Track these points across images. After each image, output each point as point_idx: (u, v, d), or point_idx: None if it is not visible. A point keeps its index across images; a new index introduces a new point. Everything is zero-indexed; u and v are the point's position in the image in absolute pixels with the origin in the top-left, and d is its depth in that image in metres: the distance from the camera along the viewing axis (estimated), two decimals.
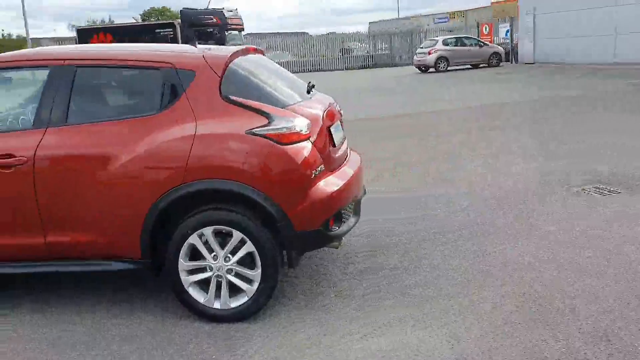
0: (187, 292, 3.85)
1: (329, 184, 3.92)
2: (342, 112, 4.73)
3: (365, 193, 4.81)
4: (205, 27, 32.07)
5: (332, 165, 4.09)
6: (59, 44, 41.23)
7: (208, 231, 3.76)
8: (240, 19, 34.28)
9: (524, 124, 11.28)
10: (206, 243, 3.78)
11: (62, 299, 4.30)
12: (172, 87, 3.85)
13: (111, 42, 33.25)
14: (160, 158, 3.72)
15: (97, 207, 3.80)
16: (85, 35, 34.42)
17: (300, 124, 3.81)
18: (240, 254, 3.77)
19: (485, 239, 5.07)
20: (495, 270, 4.40)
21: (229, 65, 3.96)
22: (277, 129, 3.72)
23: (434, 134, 10.79)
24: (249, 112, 3.78)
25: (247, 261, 3.79)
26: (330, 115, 4.32)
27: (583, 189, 6.40)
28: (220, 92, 3.82)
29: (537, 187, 6.59)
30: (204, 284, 3.86)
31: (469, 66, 30.06)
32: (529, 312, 3.72)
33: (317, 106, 4.24)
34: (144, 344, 3.63)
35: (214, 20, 32.31)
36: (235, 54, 4.11)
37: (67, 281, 4.53)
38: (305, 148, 3.81)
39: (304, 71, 40.70)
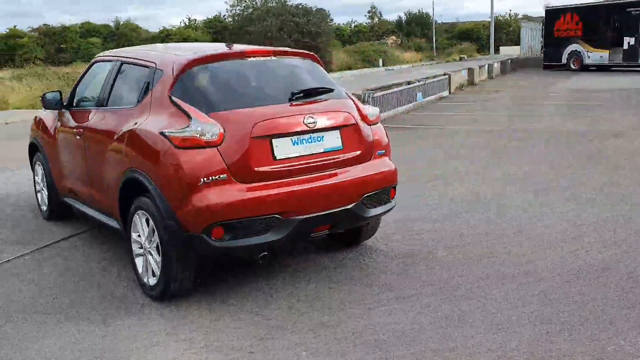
0: (134, 260, 4.50)
1: (223, 193, 3.86)
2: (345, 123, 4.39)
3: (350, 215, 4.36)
4: None
5: (251, 175, 3.96)
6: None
7: (140, 213, 4.29)
8: None
9: None
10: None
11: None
12: (147, 84, 4.46)
13: (577, 22, 32.09)
14: (125, 143, 4.42)
15: (103, 173, 4.78)
16: (552, 15, 34.05)
17: (205, 131, 3.89)
18: (155, 240, 4.18)
19: None
20: None
21: (190, 67, 4.24)
22: (177, 132, 3.92)
23: None
24: (180, 113, 4.07)
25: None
26: (284, 126, 4.10)
27: None
28: (170, 92, 4.20)
29: None
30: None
31: None
32: None
33: (265, 114, 4.08)
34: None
35: None
36: (208, 58, 4.33)
37: None
38: (201, 154, 3.88)
39: None
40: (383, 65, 45.14)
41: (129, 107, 4.59)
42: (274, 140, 4.07)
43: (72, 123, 5.43)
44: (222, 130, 3.93)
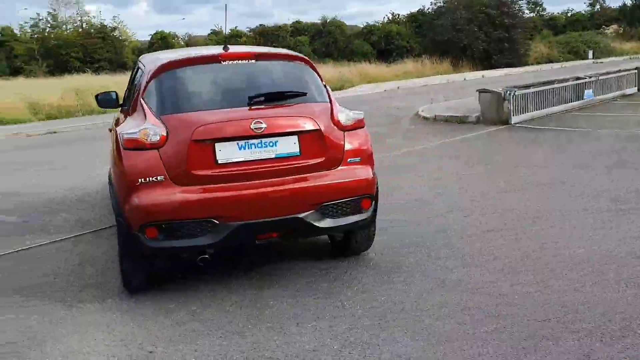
0: None
1: (158, 194, 3.96)
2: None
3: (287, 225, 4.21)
4: None
5: (188, 178, 4.00)
6: None
7: None
8: None
9: None
10: None
11: None
12: (137, 86, 4.73)
13: None
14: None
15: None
16: None
17: (149, 133, 4.03)
18: None
19: None
20: None
21: (161, 72, 4.39)
22: (127, 133, 4.13)
23: None
24: (143, 115, 4.29)
25: None
26: (228, 130, 4.07)
27: None
28: (143, 95, 4.42)
29: None
30: None
31: None
32: None
33: (209, 118, 4.09)
34: None
35: None
36: (179, 62, 4.45)
37: None
38: (142, 155, 4.03)
39: None
40: (593, 57, 40.98)
41: (127, 108, 4.92)
42: (217, 144, 4.06)
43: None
44: (164, 133, 4.04)
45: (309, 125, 4.25)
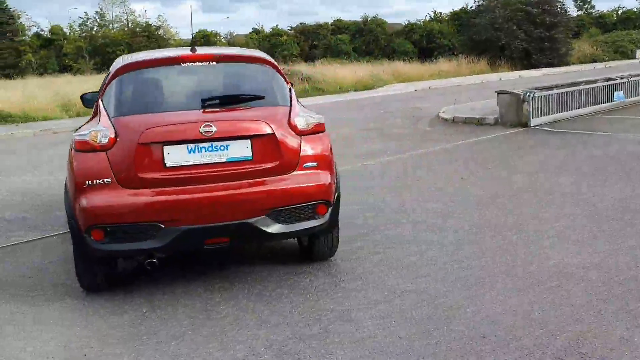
0: None
1: (104, 197, 3.96)
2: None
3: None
4: None
5: (136, 182, 3.99)
6: None
7: None
8: None
9: None
10: None
11: None
12: (101, 88, 4.75)
13: None
14: None
15: None
16: None
17: (98, 135, 4.04)
18: None
19: None
20: None
21: (120, 73, 4.42)
22: (78, 135, 4.16)
23: None
24: (97, 117, 4.31)
25: None
26: (177, 133, 4.04)
27: None
28: (102, 97, 4.45)
29: None
30: None
31: None
32: None
33: (158, 121, 4.08)
34: None
35: None
36: (138, 64, 4.47)
37: None
38: (90, 157, 4.05)
39: None
40: None
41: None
42: (165, 148, 4.04)
43: None
44: (113, 135, 4.04)
45: (262, 129, 4.19)
